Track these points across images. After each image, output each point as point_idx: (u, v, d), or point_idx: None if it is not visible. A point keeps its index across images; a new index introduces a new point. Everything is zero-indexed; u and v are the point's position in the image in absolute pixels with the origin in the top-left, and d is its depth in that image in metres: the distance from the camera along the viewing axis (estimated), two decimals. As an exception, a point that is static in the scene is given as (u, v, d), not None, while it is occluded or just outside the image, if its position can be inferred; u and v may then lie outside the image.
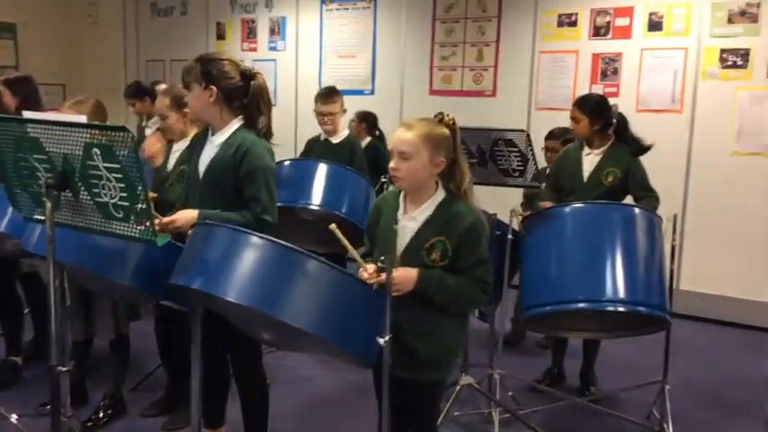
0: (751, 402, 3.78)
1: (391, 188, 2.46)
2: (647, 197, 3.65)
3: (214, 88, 2.63)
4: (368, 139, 5.17)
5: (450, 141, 2.29)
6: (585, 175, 3.75)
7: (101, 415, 3.43)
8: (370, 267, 2.15)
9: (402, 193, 2.36)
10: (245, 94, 2.67)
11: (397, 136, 2.28)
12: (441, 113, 2.34)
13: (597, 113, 3.74)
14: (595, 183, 3.71)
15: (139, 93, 5.61)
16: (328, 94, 4.40)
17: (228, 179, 2.63)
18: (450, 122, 2.31)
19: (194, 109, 2.79)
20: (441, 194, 2.31)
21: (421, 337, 2.25)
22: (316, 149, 4.49)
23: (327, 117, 4.36)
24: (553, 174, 3.90)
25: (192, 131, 3.29)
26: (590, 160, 3.78)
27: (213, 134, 2.73)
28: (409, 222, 2.30)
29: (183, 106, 3.21)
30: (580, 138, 3.83)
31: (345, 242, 2.18)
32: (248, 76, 2.69)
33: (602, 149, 3.77)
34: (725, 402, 3.92)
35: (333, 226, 2.17)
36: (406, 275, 2.19)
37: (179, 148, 3.31)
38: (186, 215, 2.53)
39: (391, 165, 2.27)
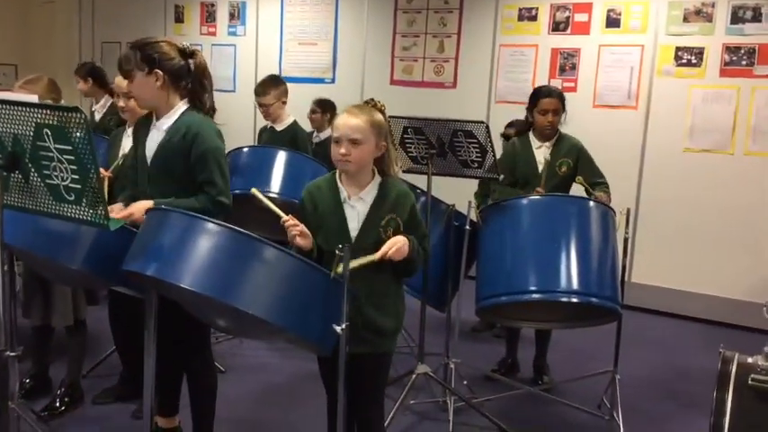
0: (699, 393, 3.89)
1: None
2: (600, 184, 3.74)
3: (159, 71, 2.58)
4: (329, 130, 5.15)
5: (387, 126, 2.42)
6: (539, 166, 3.80)
7: (57, 404, 3.36)
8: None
9: (338, 179, 2.40)
10: (188, 74, 2.64)
11: (344, 122, 2.33)
12: (372, 99, 2.45)
13: (565, 106, 3.84)
14: (551, 173, 3.76)
15: (85, 72, 5.44)
16: (261, 86, 4.49)
17: (179, 164, 2.59)
18: (382, 107, 2.43)
19: (141, 96, 2.71)
20: (378, 176, 2.43)
21: (381, 309, 2.37)
22: (263, 138, 4.62)
23: (263, 107, 4.45)
24: (506, 167, 3.89)
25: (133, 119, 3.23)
26: (542, 152, 3.83)
27: (158, 119, 2.67)
28: (358, 203, 2.38)
29: None
30: (553, 130, 3.84)
31: (269, 204, 2.29)
32: (187, 54, 2.66)
33: (552, 141, 3.83)
34: (673, 393, 4.03)
35: (254, 190, 2.31)
36: (402, 239, 2.31)
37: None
38: (141, 206, 2.47)
39: (341, 150, 2.32)
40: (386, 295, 2.40)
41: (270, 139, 4.46)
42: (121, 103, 3.29)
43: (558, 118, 3.82)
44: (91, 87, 5.39)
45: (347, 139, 2.31)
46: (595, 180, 3.77)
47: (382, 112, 2.42)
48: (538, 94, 3.85)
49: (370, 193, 2.39)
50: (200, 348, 2.85)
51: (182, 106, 2.65)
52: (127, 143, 3.29)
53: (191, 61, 2.65)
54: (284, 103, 4.47)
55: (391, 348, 2.48)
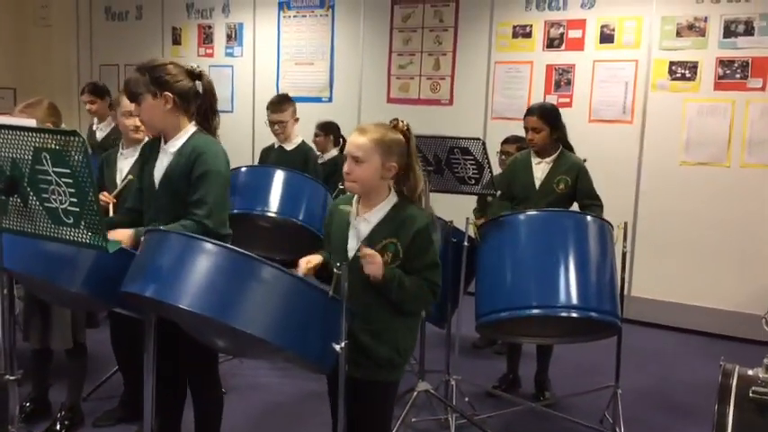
0: (700, 406, 3.87)
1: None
2: (593, 206, 3.72)
3: (169, 94, 2.56)
4: (333, 151, 5.16)
5: (404, 147, 2.34)
6: (537, 183, 3.81)
7: (57, 427, 3.34)
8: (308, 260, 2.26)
9: (356, 197, 2.40)
10: (196, 96, 2.63)
11: (351, 140, 2.33)
12: (396, 119, 2.39)
13: (556, 123, 3.80)
14: (547, 190, 3.77)
15: (100, 91, 5.50)
16: (278, 103, 4.45)
17: (185, 186, 2.56)
18: (405, 128, 2.36)
19: (149, 121, 2.66)
20: (393, 198, 2.36)
21: (374, 337, 2.29)
22: (271, 157, 4.53)
23: (278, 125, 4.42)
24: (504, 183, 3.91)
25: (143, 137, 3.23)
26: (541, 169, 3.83)
27: (166, 142, 2.65)
28: (362, 224, 2.35)
29: None
30: (538, 147, 3.84)
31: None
32: (195, 75, 2.65)
33: (552, 158, 3.82)
34: (675, 406, 4.01)
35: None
36: (378, 258, 2.23)
37: (130, 153, 3.24)
38: (120, 235, 2.44)
39: (345, 168, 2.32)
40: (383, 323, 2.32)
41: (279, 160, 4.37)
42: (130, 121, 3.25)
43: (543, 135, 3.77)
44: (101, 106, 5.42)
45: (350, 156, 2.30)
46: (587, 202, 3.75)
47: (404, 133, 2.34)
48: (525, 113, 3.88)
49: (378, 214, 2.34)
50: (209, 372, 2.83)
51: (190, 129, 2.63)
52: (124, 165, 3.29)
53: (198, 83, 2.64)
54: (296, 120, 4.47)
55: (391, 379, 2.39)
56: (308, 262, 2.31)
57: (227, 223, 2.68)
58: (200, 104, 2.66)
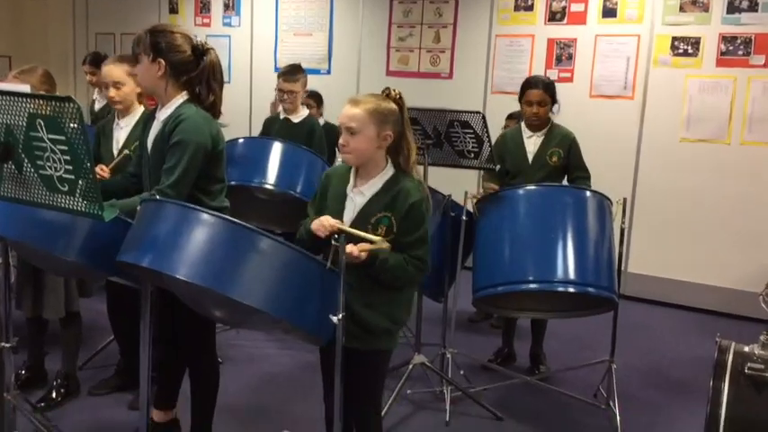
0: (694, 382, 3.90)
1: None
2: (582, 178, 3.72)
3: (162, 61, 2.54)
4: (322, 120, 5.12)
5: (398, 115, 2.32)
6: (530, 156, 3.79)
7: (53, 395, 3.36)
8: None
9: (353, 169, 2.38)
10: (194, 69, 2.59)
11: (345, 112, 2.31)
12: (387, 88, 2.36)
13: (555, 96, 3.78)
14: (540, 164, 3.75)
15: (100, 62, 5.42)
16: (291, 72, 4.37)
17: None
18: (397, 97, 2.34)
19: (142, 81, 2.70)
20: (390, 170, 2.35)
21: (369, 307, 2.29)
22: (275, 129, 4.44)
23: (288, 95, 4.33)
24: (496, 159, 3.88)
25: (138, 107, 3.21)
26: (533, 142, 3.80)
27: (160, 110, 2.65)
28: (357, 196, 2.34)
29: None
30: (541, 121, 3.79)
31: (357, 233, 2.16)
32: (201, 51, 2.61)
33: (543, 131, 3.80)
34: (669, 381, 4.04)
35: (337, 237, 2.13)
36: (354, 249, 2.19)
37: (126, 123, 3.21)
38: None
39: (340, 140, 2.31)
40: (377, 294, 2.30)
41: (285, 132, 4.30)
42: (111, 93, 3.22)
43: (546, 109, 3.75)
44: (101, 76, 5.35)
45: (345, 127, 2.29)
46: (576, 174, 3.74)
47: (396, 101, 2.32)
48: (525, 86, 3.81)
49: (374, 186, 2.32)
50: (206, 345, 2.82)
51: (180, 98, 2.61)
52: (121, 135, 3.26)
53: (204, 59, 2.60)
54: (306, 92, 4.41)
55: (384, 347, 2.41)
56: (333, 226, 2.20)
57: (219, 197, 2.66)
58: (195, 79, 2.61)
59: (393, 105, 2.32)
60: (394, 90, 2.35)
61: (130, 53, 2.74)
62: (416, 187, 2.31)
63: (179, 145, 2.50)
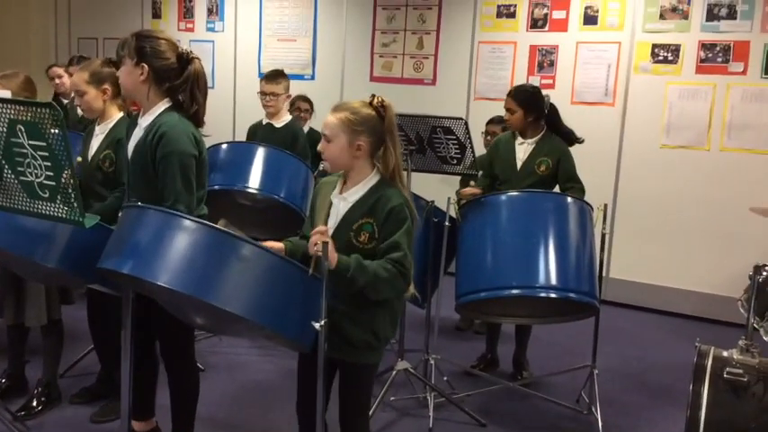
0: (675, 386, 3.94)
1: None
2: (574, 188, 3.71)
3: (145, 66, 2.54)
4: (309, 125, 5.12)
5: (376, 123, 2.29)
6: (519, 163, 3.80)
7: (34, 404, 3.32)
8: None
9: (342, 175, 2.38)
10: (177, 77, 2.58)
11: (325, 119, 2.33)
12: (372, 95, 2.33)
13: (531, 105, 3.75)
14: (528, 171, 3.76)
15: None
16: (273, 75, 4.37)
17: (149, 165, 2.53)
18: (379, 104, 2.30)
19: (124, 85, 2.66)
20: (375, 178, 2.33)
21: (349, 318, 2.25)
22: (258, 134, 4.42)
23: (270, 97, 4.31)
24: (486, 162, 3.92)
25: (115, 113, 3.16)
26: (523, 149, 3.81)
27: (142, 116, 2.64)
28: (341, 202, 2.33)
29: (102, 82, 3.08)
30: (514, 128, 3.84)
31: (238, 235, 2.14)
32: (185, 59, 2.60)
33: (534, 139, 3.81)
34: (651, 386, 4.07)
35: (221, 224, 2.15)
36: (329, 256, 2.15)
37: (102, 130, 3.15)
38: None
39: (318, 147, 2.34)
40: (358, 307, 2.25)
41: (268, 137, 4.28)
42: (76, 101, 3.19)
43: (516, 117, 3.75)
44: None
45: (323, 134, 2.31)
46: (568, 185, 3.73)
47: (377, 109, 2.29)
48: None
49: (357, 193, 2.30)
50: (185, 349, 2.81)
51: (162, 105, 2.59)
52: (95, 143, 3.19)
53: (189, 67, 2.59)
54: (288, 97, 4.41)
55: (366, 361, 2.35)
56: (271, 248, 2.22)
57: (203, 202, 2.65)
58: (178, 87, 2.60)
59: (371, 113, 2.29)
60: (377, 98, 2.32)
61: (114, 57, 2.72)
62: (398, 194, 2.28)
63: (167, 159, 2.49)
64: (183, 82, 2.59)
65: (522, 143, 3.83)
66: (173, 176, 2.48)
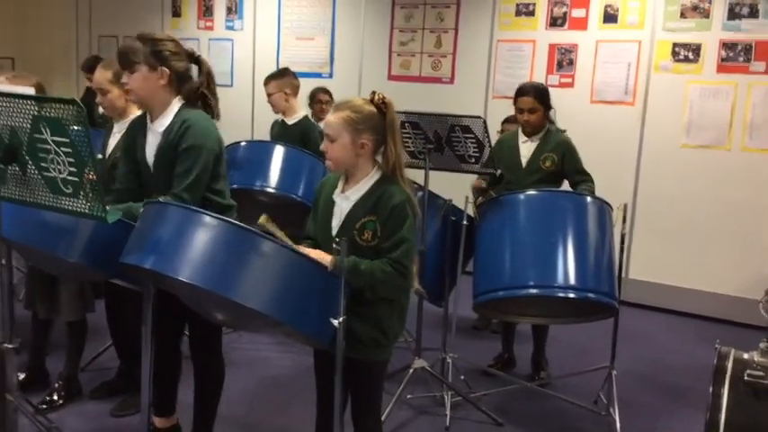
0: (694, 388, 3.91)
1: None
2: (585, 181, 3.69)
3: (166, 69, 2.54)
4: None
5: (377, 121, 2.28)
6: (524, 161, 3.78)
7: (55, 397, 3.36)
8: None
9: (343, 173, 2.37)
10: (190, 78, 2.60)
11: (326, 118, 2.32)
12: (373, 92, 2.32)
13: (548, 101, 3.77)
14: (534, 168, 3.75)
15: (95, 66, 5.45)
16: (268, 76, 4.49)
17: (174, 164, 2.54)
18: (380, 101, 2.29)
19: (139, 92, 2.59)
20: (376, 175, 2.31)
21: (356, 316, 2.21)
22: (274, 131, 4.55)
23: (268, 98, 4.44)
24: (489, 163, 3.88)
25: (134, 112, 3.14)
26: (527, 147, 3.79)
27: (152, 120, 2.62)
28: (343, 201, 2.31)
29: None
30: (533, 128, 3.79)
31: (277, 233, 2.15)
32: (195, 58, 2.63)
33: (538, 136, 3.79)
34: (670, 388, 4.04)
35: (262, 219, 2.16)
36: (320, 257, 2.18)
37: (120, 129, 3.17)
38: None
39: (321, 146, 2.33)
40: (363, 305, 2.23)
41: (280, 133, 4.41)
42: (99, 99, 3.20)
43: (537, 116, 3.73)
44: None
45: (325, 134, 2.29)
46: (578, 178, 3.71)
47: (378, 106, 2.28)
48: (516, 93, 3.81)
49: (359, 191, 2.29)
50: (212, 344, 2.82)
51: (176, 105, 2.60)
52: (112, 141, 3.21)
53: (202, 66, 2.62)
54: (287, 94, 4.44)
55: (375, 357, 2.34)
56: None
57: (227, 194, 2.69)
58: (197, 88, 2.63)
59: (373, 110, 2.28)
60: (378, 94, 2.30)
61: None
62: (400, 190, 2.26)
63: (191, 150, 2.51)
64: (204, 80, 2.61)
65: (525, 141, 3.81)
66: (189, 168, 2.50)
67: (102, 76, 3.15)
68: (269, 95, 4.42)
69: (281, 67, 6.03)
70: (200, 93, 2.64)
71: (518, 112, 3.79)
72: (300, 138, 4.30)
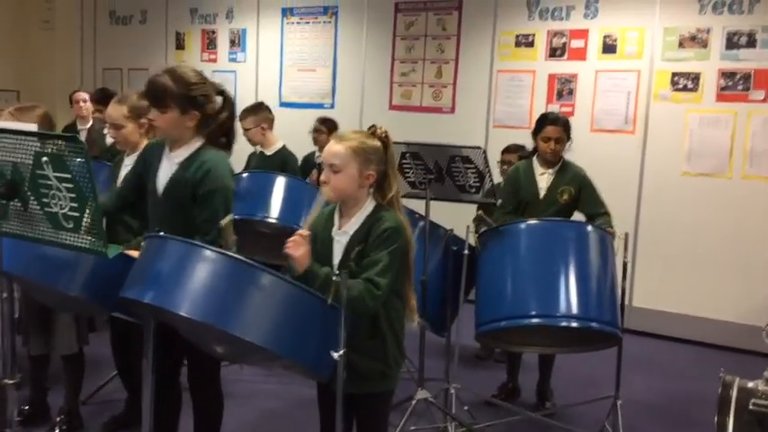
0: (699, 417, 3.86)
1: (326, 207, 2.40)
2: (602, 215, 3.69)
3: (197, 113, 2.55)
4: None
5: (382, 154, 2.30)
6: (542, 193, 3.79)
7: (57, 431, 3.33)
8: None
9: (337, 208, 2.36)
10: (217, 117, 2.61)
11: (328, 148, 2.30)
12: (373, 126, 2.35)
13: (570, 134, 3.79)
14: (551, 201, 3.76)
15: (107, 98, 5.51)
16: (244, 110, 4.55)
17: (189, 199, 2.55)
18: (383, 135, 2.32)
19: (165, 130, 2.59)
20: (370, 206, 2.32)
21: (357, 351, 2.20)
22: (252, 162, 4.66)
23: (245, 132, 4.50)
24: (510, 193, 3.88)
25: (144, 143, 3.15)
26: (545, 179, 3.80)
27: (171, 150, 2.63)
28: (342, 237, 2.31)
29: (141, 116, 3.08)
30: (557, 158, 3.80)
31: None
32: (225, 95, 2.65)
33: (554, 169, 3.81)
34: (675, 417, 4.00)
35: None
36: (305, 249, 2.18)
37: (130, 161, 3.16)
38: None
39: (322, 177, 2.30)
40: (366, 337, 2.25)
41: (259, 164, 4.52)
42: (112, 134, 3.20)
43: (562, 146, 3.76)
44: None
45: (327, 164, 2.27)
46: (596, 211, 3.71)
47: (382, 139, 2.30)
48: (543, 121, 3.80)
49: (355, 224, 2.30)
50: (211, 376, 2.82)
51: (197, 141, 2.60)
52: (123, 172, 3.24)
53: (231, 105, 2.66)
54: (264, 129, 4.54)
55: (381, 389, 2.35)
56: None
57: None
58: (222, 123, 2.64)
59: (378, 143, 2.30)
60: (380, 128, 2.32)
61: (144, 92, 2.66)
62: (393, 217, 2.27)
63: (215, 194, 2.52)
64: (227, 119, 2.64)
65: (543, 173, 3.81)
66: (215, 212, 2.50)
67: (117, 111, 3.14)
68: (246, 130, 4.47)
69: (283, 98, 6.12)
70: (225, 128, 2.66)
71: (543, 141, 3.76)
72: (281, 167, 4.42)
